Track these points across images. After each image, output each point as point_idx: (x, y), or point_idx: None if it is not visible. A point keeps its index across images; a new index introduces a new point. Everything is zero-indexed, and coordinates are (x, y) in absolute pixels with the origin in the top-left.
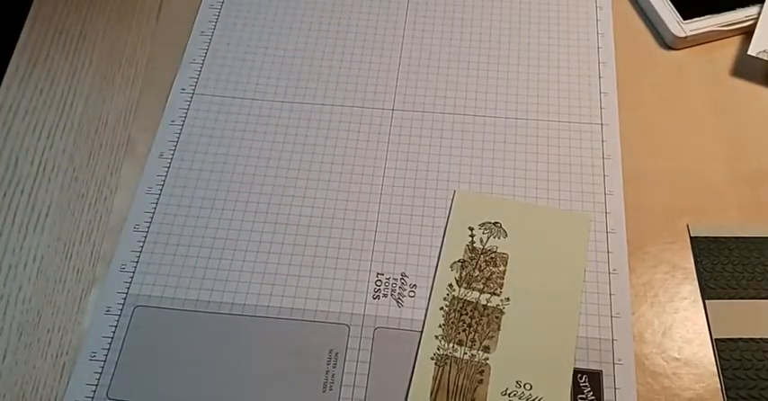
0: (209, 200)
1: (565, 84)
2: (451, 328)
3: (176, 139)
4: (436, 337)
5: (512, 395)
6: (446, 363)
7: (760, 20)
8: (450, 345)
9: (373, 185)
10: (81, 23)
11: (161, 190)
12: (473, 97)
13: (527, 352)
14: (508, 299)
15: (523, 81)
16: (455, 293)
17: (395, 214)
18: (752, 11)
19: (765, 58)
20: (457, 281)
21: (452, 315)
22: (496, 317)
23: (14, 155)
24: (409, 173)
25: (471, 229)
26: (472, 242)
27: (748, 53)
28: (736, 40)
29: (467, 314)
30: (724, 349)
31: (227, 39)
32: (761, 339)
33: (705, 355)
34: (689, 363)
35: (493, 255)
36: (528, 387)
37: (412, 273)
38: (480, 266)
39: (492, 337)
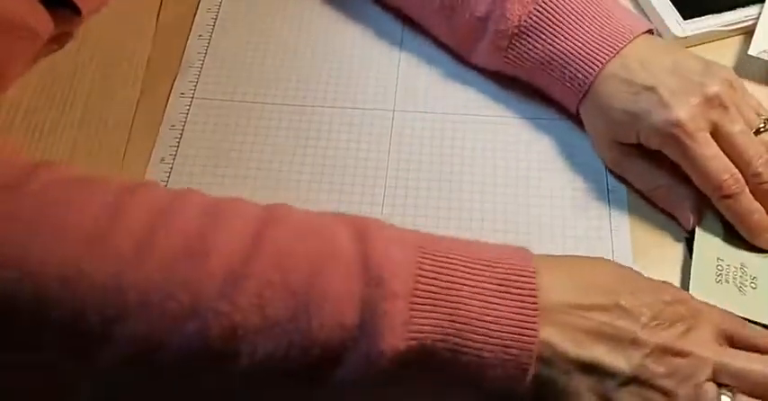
0: None
1: None
2: None
3: (177, 144)
4: None
5: None
6: None
7: (760, 20)
8: None
9: (375, 186)
10: (81, 24)
11: None
12: (473, 97)
13: None
14: None
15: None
16: None
17: (397, 215)
18: (752, 11)
19: (766, 58)
20: None
21: None
22: None
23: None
24: (412, 173)
25: None
26: None
27: (748, 53)
28: (737, 39)
29: None
30: None
31: (225, 42)
32: None
33: None
34: None
35: None
36: None
37: None
38: None
39: None
